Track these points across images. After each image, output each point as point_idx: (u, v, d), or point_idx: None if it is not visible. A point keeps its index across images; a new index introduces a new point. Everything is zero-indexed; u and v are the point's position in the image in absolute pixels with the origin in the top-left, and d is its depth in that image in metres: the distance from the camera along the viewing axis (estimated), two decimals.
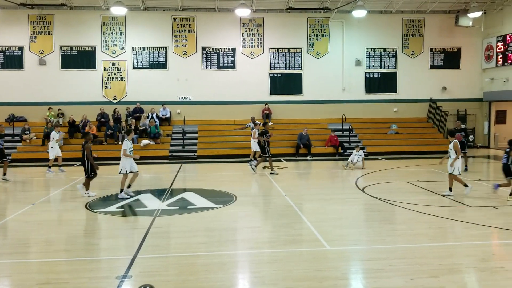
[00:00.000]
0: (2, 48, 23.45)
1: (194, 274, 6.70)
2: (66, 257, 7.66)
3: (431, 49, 25.59)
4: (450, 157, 12.25)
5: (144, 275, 6.65)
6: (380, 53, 25.39)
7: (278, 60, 24.89)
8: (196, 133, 23.60)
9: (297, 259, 7.34)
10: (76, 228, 9.63)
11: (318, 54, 24.99)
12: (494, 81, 24.85)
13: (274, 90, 24.88)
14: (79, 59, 23.78)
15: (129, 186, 12.66)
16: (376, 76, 25.49)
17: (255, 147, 18.78)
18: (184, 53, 24.29)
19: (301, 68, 24.98)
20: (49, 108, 23.25)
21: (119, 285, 6.29)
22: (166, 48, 24.22)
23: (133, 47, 24.06)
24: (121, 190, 12.37)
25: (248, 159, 19.26)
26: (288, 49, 24.89)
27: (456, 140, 12.31)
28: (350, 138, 23.24)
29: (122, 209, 11.19)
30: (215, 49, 24.48)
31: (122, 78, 24.08)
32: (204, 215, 10.48)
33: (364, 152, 20.02)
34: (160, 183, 15.07)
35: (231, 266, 7.15)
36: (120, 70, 24.02)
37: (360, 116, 24.90)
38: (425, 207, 10.86)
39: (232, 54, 24.55)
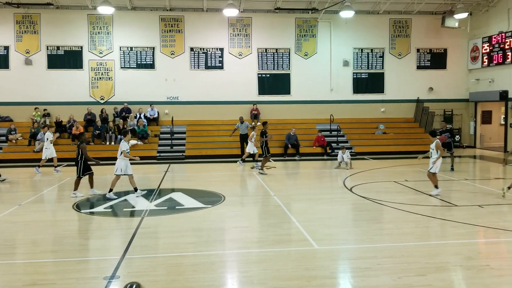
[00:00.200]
0: None
1: (182, 274, 6.68)
2: (53, 258, 7.59)
3: (418, 50, 25.81)
4: (431, 156, 12.30)
5: (132, 276, 6.61)
6: (368, 53, 25.55)
7: (266, 60, 24.91)
8: (184, 133, 23.53)
9: (285, 258, 7.35)
10: (64, 228, 9.54)
11: (306, 55, 25.07)
12: (480, 81, 25.14)
13: (262, 90, 24.90)
14: (66, 59, 23.55)
15: (135, 190, 12.60)
16: (363, 76, 25.63)
17: (251, 148, 18.82)
18: (172, 53, 24.21)
19: (289, 68, 25.03)
20: (35, 108, 23.00)
21: (107, 285, 6.25)
22: (153, 48, 24.11)
23: (120, 47, 23.90)
24: (110, 190, 12.30)
25: (240, 159, 19.27)
26: (276, 49, 24.92)
27: (438, 140, 12.40)
28: (338, 138, 23.34)
29: (110, 210, 11.12)
30: (203, 49, 24.42)
31: (109, 78, 23.91)
32: (192, 215, 10.46)
33: (351, 152, 20.18)
34: (148, 183, 14.99)
35: (219, 266, 7.14)
36: (107, 70, 23.84)
37: (348, 116, 25.03)
38: (412, 206, 10.95)
39: (220, 54, 24.52)
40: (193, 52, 24.35)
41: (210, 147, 22.30)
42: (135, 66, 24.03)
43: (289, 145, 21.74)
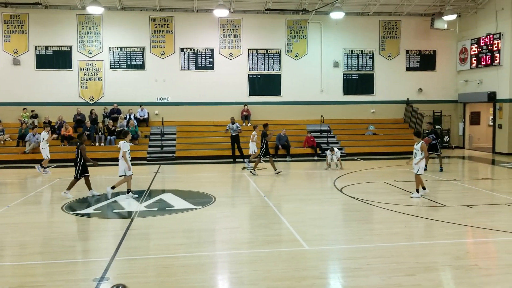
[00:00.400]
0: None
1: (172, 276, 6.66)
2: (42, 260, 7.52)
3: (407, 51, 25.97)
4: (415, 157, 12.34)
5: (121, 277, 6.58)
6: (358, 54, 25.66)
7: (257, 61, 24.92)
8: (174, 134, 23.45)
9: (276, 259, 7.36)
10: (52, 230, 9.47)
11: (296, 56, 25.12)
12: (469, 83, 25.37)
13: (253, 91, 24.90)
14: (55, 59, 23.35)
15: (113, 187, 12.53)
16: (353, 77, 25.74)
17: (253, 149, 18.85)
18: (162, 54, 24.12)
19: (279, 69, 25.06)
20: (23, 109, 22.78)
21: (96, 287, 6.21)
22: (143, 48, 24.01)
23: (110, 47, 23.76)
24: (128, 191, 12.40)
25: (247, 160, 19.31)
26: (267, 50, 24.94)
27: (423, 141, 12.44)
28: (329, 139, 23.41)
29: (100, 211, 11.05)
30: (193, 49, 24.37)
31: (99, 79, 23.77)
32: (182, 216, 10.43)
33: (342, 152, 20.22)
34: (138, 184, 14.91)
35: (210, 267, 7.13)
36: (96, 70, 23.69)
37: (338, 117, 25.11)
38: (401, 207, 11.02)
39: (210, 55, 24.48)
40: (183, 52, 24.28)
41: (201, 148, 22.26)
42: (125, 67, 23.91)
43: (280, 146, 21.76)
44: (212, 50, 24.46)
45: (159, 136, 22.63)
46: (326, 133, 23.72)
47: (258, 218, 10.36)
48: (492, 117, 24.65)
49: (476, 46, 24.49)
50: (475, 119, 26.63)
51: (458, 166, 20.16)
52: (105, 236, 9.09)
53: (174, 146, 22.54)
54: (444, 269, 6.95)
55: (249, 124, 23.95)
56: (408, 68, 26.03)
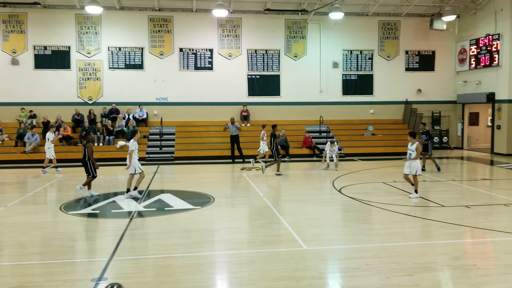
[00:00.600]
0: None
1: (171, 276, 6.65)
2: (40, 260, 7.51)
3: (407, 52, 25.99)
4: (409, 158, 12.31)
5: (120, 277, 6.57)
6: (357, 55, 25.67)
7: (256, 61, 24.92)
8: (173, 134, 23.44)
9: (274, 259, 7.35)
10: (51, 230, 9.45)
11: (295, 56, 25.12)
12: (467, 83, 25.39)
13: (252, 91, 24.89)
14: (53, 59, 23.33)
15: (128, 191, 12.51)
16: (353, 78, 25.74)
17: (263, 148, 18.86)
18: (161, 54, 24.11)
19: (278, 69, 25.06)
20: (21, 109, 22.76)
21: (94, 287, 6.20)
22: (142, 48, 23.99)
23: (108, 47, 23.75)
24: (135, 188, 12.46)
25: (253, 160, 19.32)
26: (266, 50, 24.93)
27: (418, 142, 12.38)
28: (328, 139, 23.36)
29: (98, 211, 11.04)
30: (192, 50, 24.36)
31: (97, 79, 23.75)
32: (181, 216, 10.42)
33: (340, 153, 20.22)
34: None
35: (208, 267, 7.12)
36: (95, 70, 23.67)
37: (337, 118, 25.12)
38: (400, 207, 11.02)
39: (209, 55, 24.47)
40: (182, 52, 24.27)
41: (200, 148, 22.25)
42: (124, 67, 23.89)
43: (279, 147, 21.69)
44: (211, 50, 24.45)
45: (158, 136, 22.62)
46: (325, 134, 23.72)
47: (257, 218, 10.35)
48: (490, 117, 24.67)
49: (475, 47, 24.51)
50: (474, 119, 26.65)
51: (456, 167, 20.17)
52: (103, 236, 9.08)
53: (173, 146, 22.53)
54: (443, 269, 6.95)
55: (248, 125, 23.96)
56: (407, 69, 26.05)
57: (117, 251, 7.73)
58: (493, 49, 23.17)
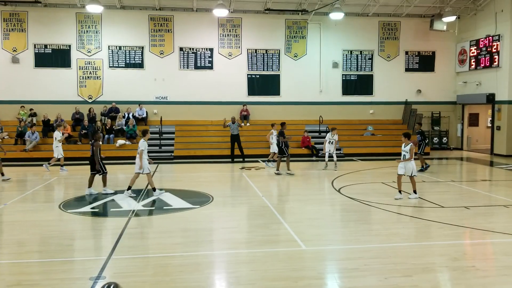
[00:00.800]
0: None
1: (169, 275, 6.64)
2: (38, 258, 7.50)
3: (407, 52, 25.98)
4: (403, 159, 12.22)
5: (118, 276, 6.56)
6: (357, 55, 25.66)
7: (256, 61, 24.91)
8: (173, 133, 23.43)
9: (273, 259, 7.35)
10: (49, 229, 9.43)
11: (295, 56, 25.11)
12: (467, 84, 25.39)
13: (251, 91, 24.89)
14: (54, 58, 23.33)
15: (129, 188, 12.61)
16: (352, 78, 25.74)
17: (273, 148, 18.84)
18: (161, 53, 24.10)
19: (278, 69, 25.05)
20: (21, 107, 22.75)
21: (93, 286, 6.19)
22: (142, 47, 23.98)
23: (109, 46, 23.74)
24: (154, 189, 12.51)
25: (266, 159, 19.33)
26: (266, 50, 24.93)
27: (412, 143, 12.36)
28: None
29: (97, 210, 11.04)
30: (193, 49, 24.35)
31: (97, 77, 23.74)
32: (180, 215, 10.41)
33: (339, 153, 20.21)
34: (136, 183, 14.87)
35: (206, 266, 7.11)
36: (95, 69, 23.67)
37: (336, 118, 25.08)
38: (399, 208, 11.02)
39: (209, 55, 24.46)
40: (182, 52, 24.27)
41: (199, 148, 22.25)
42: (124, 66, 23.88)
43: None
44: (211, 50, 24.44)
45: (158, 135, 22.60)
46: (325, 134, 23.66)
47: (255, 218, 10.35)
48: (490, 118, 24.67)
49: (475, 47, 24.51)
50: (474, 120, 26.64)
51: (456, 167, 20.17)
52: (102, 234, 9.08)
53: (172, 145, 22.52)
54: (441, 270, 6.95)
55: (248, 124, 23.94)
56: (407, 69, 26.04)
57: (116, 250, 7.72)
58: (493, 50, 23.17)
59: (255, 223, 9.84)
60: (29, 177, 16.43)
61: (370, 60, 25.75)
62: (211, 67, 24.47)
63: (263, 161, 19.59)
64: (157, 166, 19.13)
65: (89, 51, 23.58)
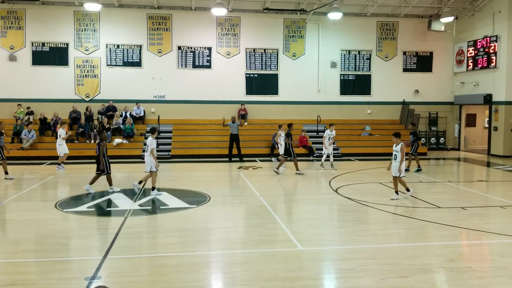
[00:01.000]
0: None
1: (165, 275, 6.62)
2: (34, 258, 7.48)
3: (404, 53, 26.00)
4: (395, 159, 12.21)
5: (114, 276, 6.55)
6: (355, 55, 25.67)
7: (254, 60, 24.89)
8: (170, 132, 23.40)
9: (269, 259, 7.33)
10: (45, 228, 9.40)
11: (294, 55, 25.10)
12: (465, 85, 25.42)
13: (250, 90, 24.87)
14: (51, 56, 23.26)
15: (140, 182, 12.89)
16: (350, 78, 25.75)
17: (282, 149, 18.81)
18: (159, 52, 24.06)
19: (277, 69, 25.04)
20: (18, 105, 22.68)
21: (88, 286, 6.17)
22: (140, 46, 23.94)
23: (107, 44, 23.69)
24: (153, 188, 12.50)
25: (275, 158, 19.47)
26: (264, 49, 24.91)
27: (403, 143, 12.37)
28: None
29: (93, 209, 11.01)
30: (191, 48, 24.32)
31: (95, 76, 23.69)
32: (176, 215, 10.39)
33: (337, 153, 20.21)
34: (133, 182, 14.86)
35: (203, 266, 7.10)
36: (93, 67, 23.61)
37: (334, 118, 25.01)
38: (396, 208, 11.02)
39: (208, 54, 24.43)
40: (180, 50, 24.23)
41: (197, 147, 22.22)
42: (122, 64, 23.84)
43: (276, 146, 21.68)
44: (209, 49, 24.41)
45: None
46: (323, 133, 23.65)
47: (252, 217, 10.33)
48: (487, 119, 24.72)
49: (473, 48, 24.54)
50: (471, 121, 26.69)
51: (453, 168, 20.19)
52: (98, 234, 9.05)
53: (170, 144, 22.49)
54: (438, 271, 6.95)
55: (246, 123, 23.92)
56: (405, 70, 26.07)
57: (112, 250, 7.70)
58: (491, 51, 23.21)
59: (252, 223, 9.83)
60: (26, 175, 16.37)
61: (368, 60, 25.76)
62: (209, 66, 24.44)
63: (273, 160, 19.67)
64: None
65: (86, 50, 23.52)
